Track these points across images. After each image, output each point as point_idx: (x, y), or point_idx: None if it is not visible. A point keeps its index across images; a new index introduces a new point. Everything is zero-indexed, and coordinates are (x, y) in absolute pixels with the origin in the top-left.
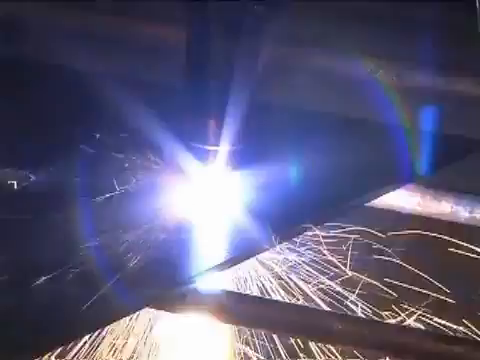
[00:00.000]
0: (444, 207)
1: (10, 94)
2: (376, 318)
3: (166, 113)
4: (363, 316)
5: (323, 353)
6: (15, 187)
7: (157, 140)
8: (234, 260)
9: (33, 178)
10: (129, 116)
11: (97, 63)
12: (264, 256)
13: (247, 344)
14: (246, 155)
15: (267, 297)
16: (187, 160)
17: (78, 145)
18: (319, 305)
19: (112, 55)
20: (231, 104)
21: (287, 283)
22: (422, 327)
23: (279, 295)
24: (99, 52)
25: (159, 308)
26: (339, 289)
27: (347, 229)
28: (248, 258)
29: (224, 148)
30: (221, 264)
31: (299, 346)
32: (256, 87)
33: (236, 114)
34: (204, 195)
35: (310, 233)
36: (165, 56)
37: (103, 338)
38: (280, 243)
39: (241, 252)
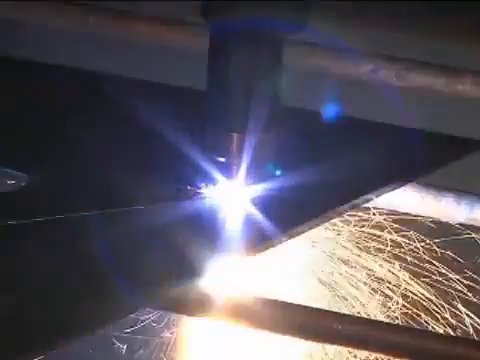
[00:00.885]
0: (444, 207)
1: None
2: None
3: (185, 121)
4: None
5: None
6: (14, 188)
7: (177, 150)
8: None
9: (32, 179)
10: (148, 123)
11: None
12: None
13: None
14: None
15: (266, 297)
16: (208, 172)
17: (86, 147)
18: None
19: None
20: (253, 117)
21: None
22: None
23: None
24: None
25: (167, 309)
26: None
27: None
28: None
29: (246, 161)
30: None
31: None
32: (279, 99)
33: (258, 127)
34: (221, 200)
35: None
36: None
37: None
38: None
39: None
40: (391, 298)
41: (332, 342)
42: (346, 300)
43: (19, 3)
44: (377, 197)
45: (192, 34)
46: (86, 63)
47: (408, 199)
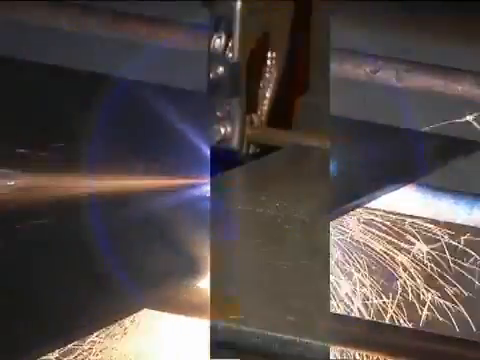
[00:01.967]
0: (443, 207)
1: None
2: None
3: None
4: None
5: None
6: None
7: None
8: None
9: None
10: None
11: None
12: None
13: None
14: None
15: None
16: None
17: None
18: None
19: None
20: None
21: None
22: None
23: None
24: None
25: (161, 309)
26: None
27: None
28: None
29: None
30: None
31: None
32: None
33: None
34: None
35: None
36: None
37: None
38: None
39: None
40: None
41: (331, 343)
42: None
43: (20, 3)
44: (377, 197)
45: (192, 34)
46: (86, 63)
47: (408, 199)
